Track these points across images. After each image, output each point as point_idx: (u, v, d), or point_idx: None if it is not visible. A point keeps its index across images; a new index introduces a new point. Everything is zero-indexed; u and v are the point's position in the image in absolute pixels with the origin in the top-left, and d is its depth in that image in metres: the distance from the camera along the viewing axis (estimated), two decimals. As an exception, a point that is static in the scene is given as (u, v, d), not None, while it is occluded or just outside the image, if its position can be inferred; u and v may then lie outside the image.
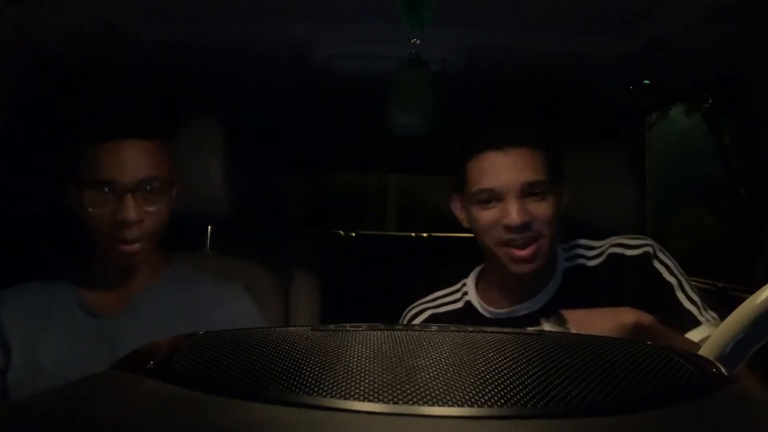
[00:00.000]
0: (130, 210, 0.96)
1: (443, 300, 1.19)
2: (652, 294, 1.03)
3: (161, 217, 1.02)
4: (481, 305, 1.15)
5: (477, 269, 1.21)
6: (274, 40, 1.24)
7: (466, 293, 1.18)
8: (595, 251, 1.13)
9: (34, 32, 1.09)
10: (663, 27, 1.12)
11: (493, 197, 1.02)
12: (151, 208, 1.00)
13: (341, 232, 2.48)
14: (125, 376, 0.41)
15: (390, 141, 1.95)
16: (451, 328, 0.50)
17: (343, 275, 2.00)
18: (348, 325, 0.49)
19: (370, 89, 1.25)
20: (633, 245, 1.09)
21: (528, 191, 1.01)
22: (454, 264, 1.30)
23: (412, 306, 1.21)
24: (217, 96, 1.54)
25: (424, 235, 2.43)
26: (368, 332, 0.45)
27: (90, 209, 0.97)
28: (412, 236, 2.45)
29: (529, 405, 0.33)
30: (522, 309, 1.10)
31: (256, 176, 1.65)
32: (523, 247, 1.01)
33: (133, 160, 0.98)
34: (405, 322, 1.19)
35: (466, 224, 1.11)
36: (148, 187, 0.99)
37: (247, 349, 0.41)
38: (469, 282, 1.19)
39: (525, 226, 0.99)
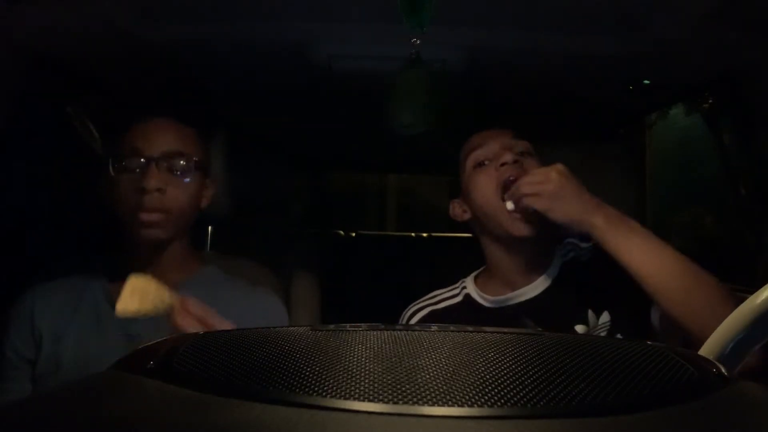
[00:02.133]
0: (151, 177, 1.02)
1: (442, 296, 1.23)
2: None
3: (184, 197, 1.07)
4: (479, 294, 1.20)
5: (476, 271, 1.25)
6: (274, 40, 1.24)
7: (464, 287, 1.23)
8: (587, 248, 1.19)
9: (35, 32, 1.09)
10: (663, 27, 1.11)
11: (487, 156, 1.15)
12: (174, 182, 1.06)
13: (341, 232, 2.47)
14: (125, 376, 0.41)
15: (390, 141, 1.95)
16: (451, 328, 0.50)
17: (343, 275, 2.00)
18: (348, 325, 0.49)
19: (370, 89, 1.25)
20: None
21: (514, 151, 1.14)
22: (454, 264, 1.31)
23: (412, 305, 1.23)
24: (217, 96, 1.54)
25: (424, 235, 2.43)
26: (368, 332, 0.45)
27: (119, 176, 1.05)
28: (412, 236, 2.45)
29: (529, 405, 0.33)
30: (518, 296, 1.15)
31: (256, 176, 1.65)
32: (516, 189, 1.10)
33: (160, 135, 1.07)
34: (405, 321, 1.21)
35: (467, 216, 1.21)
36: (180, 164, 1.07)
37: (247, 349, 0.41)
38: (468, 279, 1.24)
39: (516, 163, 1.11)
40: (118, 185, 1.05)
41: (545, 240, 1.16)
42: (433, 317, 1.19)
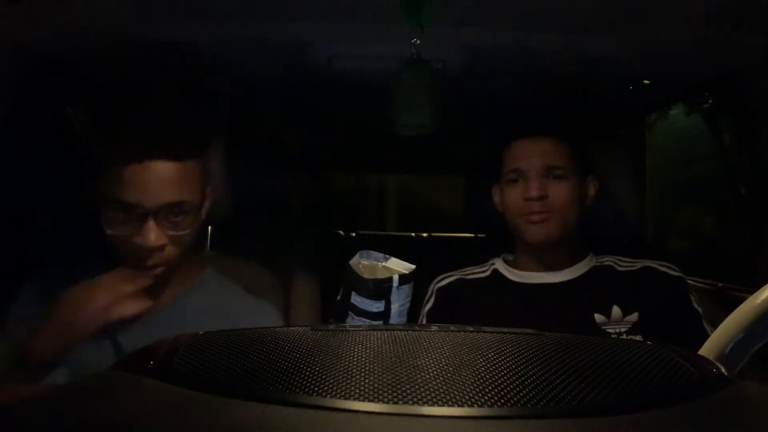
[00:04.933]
0: (151, 235, 0.91)
1: (471, 270, 1.29)
2: (684, 316, 1.14)
3: (188, 240, 0.98)
4: (507, 270, 1.26)
5: (505, 254, 1.31)
6: (274, 40, 1.24)
7: (493, 264, 1.29)
8: (627, 261, 1.23)
9: (34, 33, 1.09)
10: (663, 27, 1.11)
11: (519, 176, 1.18)
12: (176, 233, 0.95)
13: (341, 232, 2.47)
14: (125, 376, 0.41)
15: (390, 141, 1.95)
16: (451, 328, 0.50)
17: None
18: (348, 325, 0.49)
19: (370, 89, 1.25)
20: (669, 266, 1.20)
21: (548, 173, 1.16)
22: (455, 264, 1.31)
23: (441, 276, 1.28)
24: (217, 96, 1.54)
25: (424, 235, 2.43)
26: (368, 332, 0.45)
27: (110, 231, 0.92)
28: (412, 236, 2.45)
29: (529, 405, 0.33)
30: (545, 277, 1.21)
31: (256, 176, 1.65)
32: (538, 213, 1.16)
33: (159, 183, 0.91)
34: (432, 288, 1.27)
35: (499, 208, 1.25)
36: (175, 211, 0.94)
37: (247, 349, 0.41)
38: (498, 258, 1.30)
39: (541, 198, 1.15)
40: (111, 237, 0.95)
41: (570, 247, 1.22)
42: (460, 284, 1.26)
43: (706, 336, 1.09)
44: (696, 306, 1.16)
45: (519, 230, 1.20)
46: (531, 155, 1.18)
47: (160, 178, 0.91)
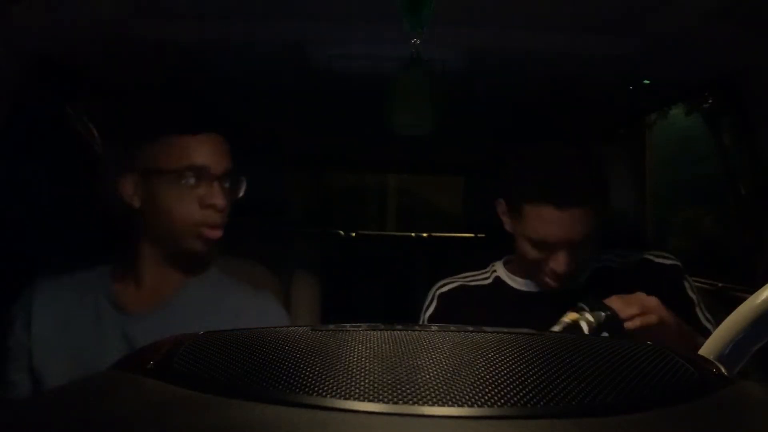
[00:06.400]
0: (220, 195, 1.00)
1: (473, 277, 1.26)
2: (677, 304, 1.11)
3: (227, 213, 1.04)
4: (509, 277, 1.23)
5: (506, 257, 1.28)
6: (274, 40, 1.24)
7: (495, 271, 1.26)
8: (625, 258, 1.21)
9: (34, 32, 1.09)
10: (663, 27, 1.12)
11: (544, 246, 1.08)
12: (229, 202, 1.04)
13: (341, 232, 2.47)
14: (125, 376, 0.41)
15: (390, 141, 1.96)
16: (451, 328, 0.50)
17: (343, 275, 2.00)
18: (348, 325, 0.49)
19: (370, 89, 1.25)
20: (664, 256, 1.19)
21: (575, 242, 1.07)
22: (454, 264, 1.31)
23: (442, 282, 1.26)
24: (217, 96, 1.54)
25: (424, 235, 2.43)
26: (368, 332, 0.45)
27: (167, 200, 0.99)
28: (412, 236, 2.45)
29: (529, 405, 0.33)
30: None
31: (256, 176, 1.65)
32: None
33: (219, 151, 1.03)
34: (432, 294, 1.25)
35: (508, 228, 1.17)
36: (230, 179, 1.04)
37: (247, 349, 0.41)
38: (498, 263, 1.28)
39: (567, 269, 1.08)
40: (164, 208, 1.00)
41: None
42: (462, 291, 1.23)
43: (699, 323, 1.10)
44: (690, 293, 1.16)
45: (531, 275, 1.16)
46: (561, 227, 1.05)
47: (219, 147, 1.03)
